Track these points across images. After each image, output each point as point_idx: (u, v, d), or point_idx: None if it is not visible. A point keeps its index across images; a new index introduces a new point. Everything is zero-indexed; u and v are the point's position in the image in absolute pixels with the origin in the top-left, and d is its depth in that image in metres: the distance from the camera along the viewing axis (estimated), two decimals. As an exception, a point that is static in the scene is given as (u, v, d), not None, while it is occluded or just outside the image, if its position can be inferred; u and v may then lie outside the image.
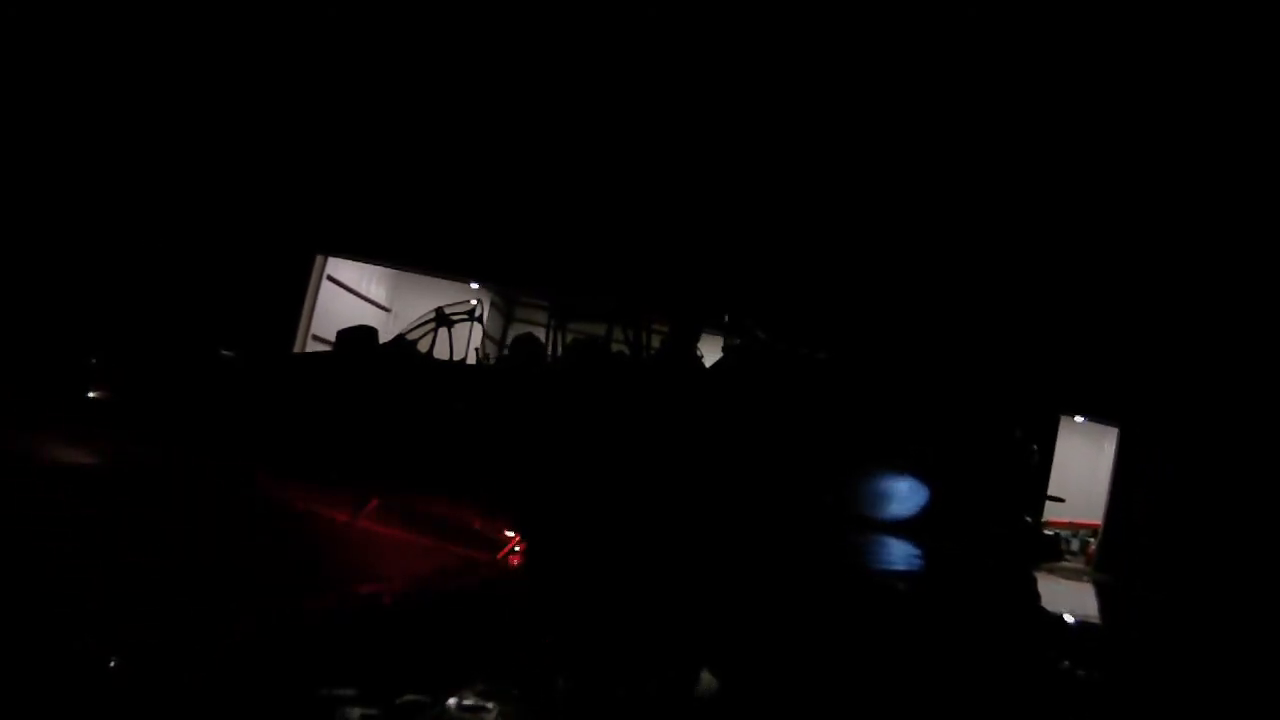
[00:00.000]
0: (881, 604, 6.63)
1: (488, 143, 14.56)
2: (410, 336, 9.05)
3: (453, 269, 15.46)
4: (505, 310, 19.53)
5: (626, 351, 8.83)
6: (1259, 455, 13.74)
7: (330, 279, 15.78)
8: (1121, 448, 15.07)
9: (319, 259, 15.13)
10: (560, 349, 9.08)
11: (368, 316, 17.17)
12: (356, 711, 2.98)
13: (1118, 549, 14.52)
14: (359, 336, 9.16)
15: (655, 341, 8.99)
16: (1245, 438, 13.87)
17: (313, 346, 15.15)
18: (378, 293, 17.91)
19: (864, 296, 14.21)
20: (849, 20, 13.75)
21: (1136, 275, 14.24)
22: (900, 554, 8.02)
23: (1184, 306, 14.21)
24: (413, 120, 14.60)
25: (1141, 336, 14.29)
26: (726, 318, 9.71)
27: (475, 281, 16.35)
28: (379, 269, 17.21)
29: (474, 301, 9.37)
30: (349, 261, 16.04)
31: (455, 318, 9.08)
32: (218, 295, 13.93)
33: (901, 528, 8.20)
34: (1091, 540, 15.40)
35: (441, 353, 8.92)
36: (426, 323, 9.15)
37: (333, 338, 15.94)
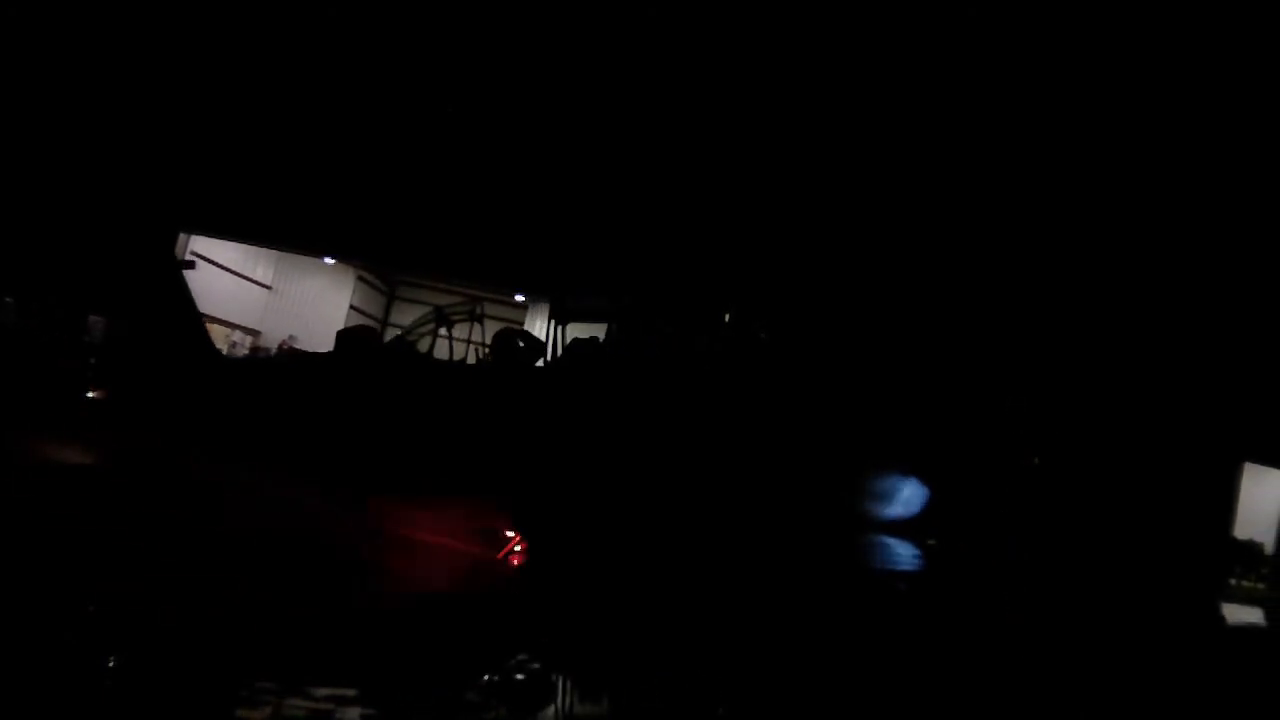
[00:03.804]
0: (882, 603, 6.62)
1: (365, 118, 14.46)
2: (409, 337, 9.07)
3: (309, 245, 15.77)
4: (384, 289, 20.04)
5: (626, 352, 8.83)
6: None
7: (201, 257, 16.00)
8: None
9: (183, 237, 15.34)
10: (560, 349, 9.08)
11: (244, 292, 17.57)
12: (356, 711, 2.98)
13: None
14: (359, 337, 9.17)
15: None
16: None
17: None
18: (260, 271, 18.22)
19: (864, 297, 14.18)
20: (844, 22, 13.71)
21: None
22: (900, 554, 8.02)
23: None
24: (282, 102, 14.49)
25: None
26: (727, 317, 9.70)
27: (331, 258, 16.65)
28: (262, 249, 17.61)
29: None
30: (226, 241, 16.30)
31: (455, 317, 9.09)
32: (79, 269, 13.54)
33: (902, 528, 8.21)
34: None
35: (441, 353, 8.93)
36: (427, 323, 9.16)
37: (207, 311, 16.18)
